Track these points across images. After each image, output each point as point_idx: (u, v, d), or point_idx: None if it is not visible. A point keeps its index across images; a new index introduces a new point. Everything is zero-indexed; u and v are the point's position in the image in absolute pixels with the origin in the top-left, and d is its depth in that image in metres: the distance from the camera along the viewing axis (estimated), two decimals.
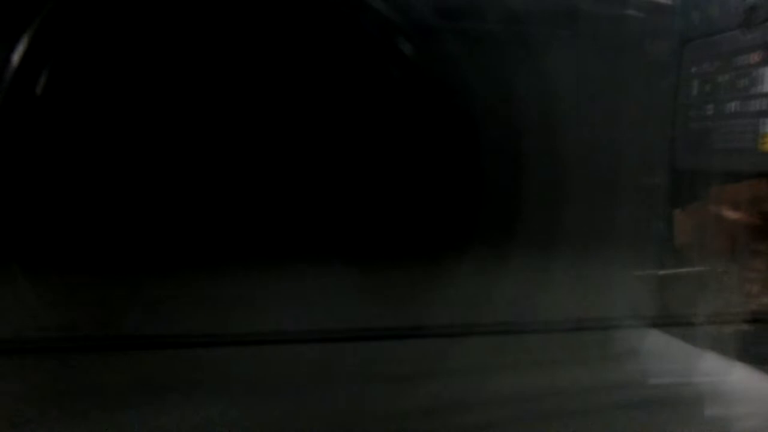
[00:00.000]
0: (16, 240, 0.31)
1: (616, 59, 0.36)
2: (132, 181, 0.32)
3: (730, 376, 0.34)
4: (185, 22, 0.32)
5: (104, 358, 0.30)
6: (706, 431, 0.30)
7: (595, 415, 0.30)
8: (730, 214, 0.36)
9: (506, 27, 0.34)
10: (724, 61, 0.35)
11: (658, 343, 0.36)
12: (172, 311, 0.32)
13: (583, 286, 0.35)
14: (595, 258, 0.35)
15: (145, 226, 0.32)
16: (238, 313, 0.32)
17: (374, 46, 0.33)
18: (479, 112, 0.34)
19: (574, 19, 0.35)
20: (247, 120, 0.33)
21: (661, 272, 0.37)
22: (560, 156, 0.35)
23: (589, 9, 0.36)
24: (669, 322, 0.36)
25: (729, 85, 0.35)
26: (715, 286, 0.36)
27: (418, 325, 0.33)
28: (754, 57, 0.33)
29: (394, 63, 0.34)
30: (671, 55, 0.37)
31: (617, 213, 0.36)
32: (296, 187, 0.33)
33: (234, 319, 0.32)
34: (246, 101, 0.33)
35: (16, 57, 0.30)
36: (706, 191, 0.36)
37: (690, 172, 0.37)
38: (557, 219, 0.35)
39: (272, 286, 0.32)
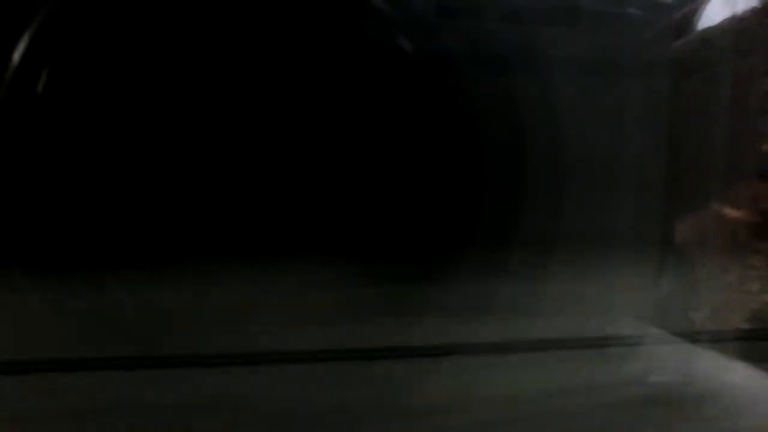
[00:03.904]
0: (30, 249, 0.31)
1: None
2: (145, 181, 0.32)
3: (730, 375, 0.34)
4: (188, 20, 0.32)
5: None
6: (705, 429, 0.30)
7: (594, 414, 0.30)
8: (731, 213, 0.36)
9: (502, 23, 0.34)
10: None
11: (658, 342, 0.36)
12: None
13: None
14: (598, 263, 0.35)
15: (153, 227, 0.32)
16: (229, 329, 0.32)
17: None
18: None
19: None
20: (250, 119, 0.33)
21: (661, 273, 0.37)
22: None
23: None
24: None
25: None
26: (715, 285, 0.37)
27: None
28: None
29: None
30: None
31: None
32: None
33: (226, 337, 0.31)
34: (247, 101, 0.33)
35: (16, 55, 0.30)
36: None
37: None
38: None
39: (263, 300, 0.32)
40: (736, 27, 0.36)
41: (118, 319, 0.31)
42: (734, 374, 0.34)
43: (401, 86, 0.33)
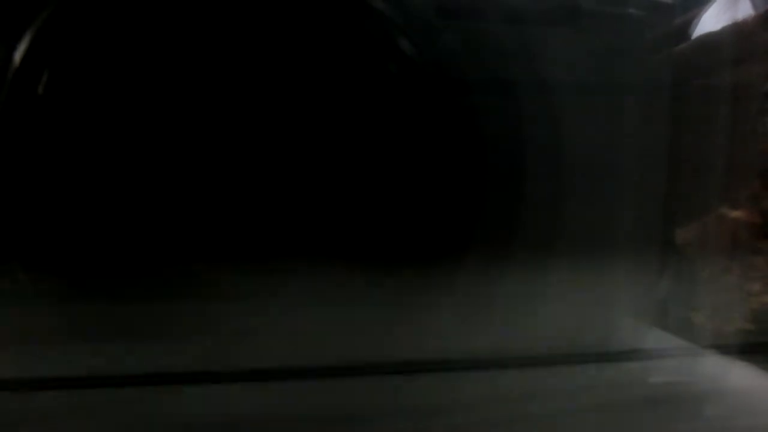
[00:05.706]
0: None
1: None
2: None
3: (731, 376, 0.34)
4: (189, 21, 0.32)
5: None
6: (706, 429, 0.30)
7: (594, 415, 0.30)
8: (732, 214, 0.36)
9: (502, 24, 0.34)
10: None
11: (659, 343, 0.36)
12: None
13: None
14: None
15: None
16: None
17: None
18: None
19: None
20: (251, 120, 0.33)
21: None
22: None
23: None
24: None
25: None
26: (716, 286, 0.37)
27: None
28: None
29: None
30: None
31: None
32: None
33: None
34: (249, 102, 0.33)
35: (17, 56, 0.30)
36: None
37: None
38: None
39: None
40: (736, 32, 0.37)
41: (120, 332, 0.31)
42: (735, 375, 0.34)
43: (399, 87, 0.33)
